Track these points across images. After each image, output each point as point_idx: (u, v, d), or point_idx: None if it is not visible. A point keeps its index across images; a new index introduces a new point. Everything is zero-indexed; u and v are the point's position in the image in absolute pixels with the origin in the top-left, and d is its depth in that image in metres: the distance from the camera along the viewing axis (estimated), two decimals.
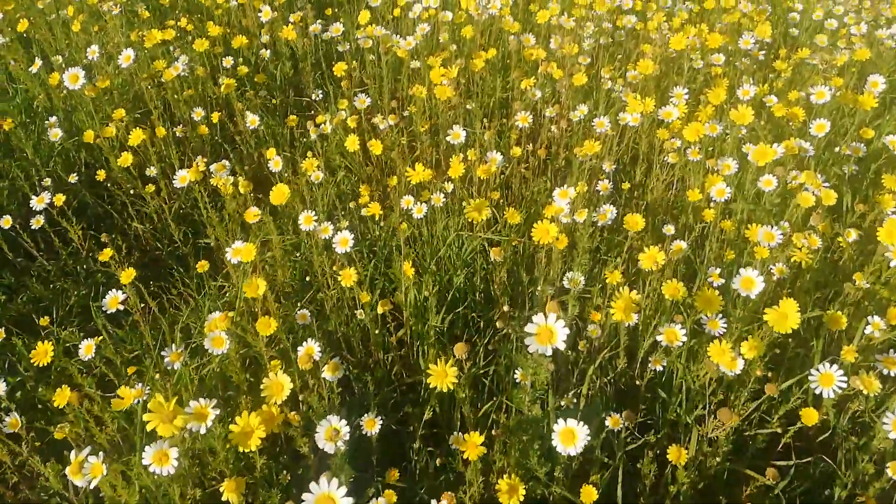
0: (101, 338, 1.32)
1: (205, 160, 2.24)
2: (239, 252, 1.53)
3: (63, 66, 2.27)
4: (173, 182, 1.84)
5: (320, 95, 2.54)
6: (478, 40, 2.64)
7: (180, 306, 1.79)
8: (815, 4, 3.04)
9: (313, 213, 1.58)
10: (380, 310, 1.44)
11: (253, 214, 1.64)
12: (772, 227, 1.55)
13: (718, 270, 1.60)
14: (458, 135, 2.02)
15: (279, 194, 1.70)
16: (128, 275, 1.51)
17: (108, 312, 1.38)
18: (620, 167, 2.33)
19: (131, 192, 2.06)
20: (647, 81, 2.33)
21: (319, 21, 3.20)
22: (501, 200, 2.12)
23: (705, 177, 1.77)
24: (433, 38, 2.72)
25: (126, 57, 2.09)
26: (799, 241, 1.52)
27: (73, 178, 2.08)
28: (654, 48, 2.47)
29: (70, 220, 1.88)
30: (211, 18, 3.00)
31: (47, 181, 2.11)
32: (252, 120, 2.19)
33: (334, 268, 1.51)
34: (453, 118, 2.40)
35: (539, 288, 1.63)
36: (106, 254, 1.62)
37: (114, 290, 1.40)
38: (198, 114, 2.29)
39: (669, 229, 1.70)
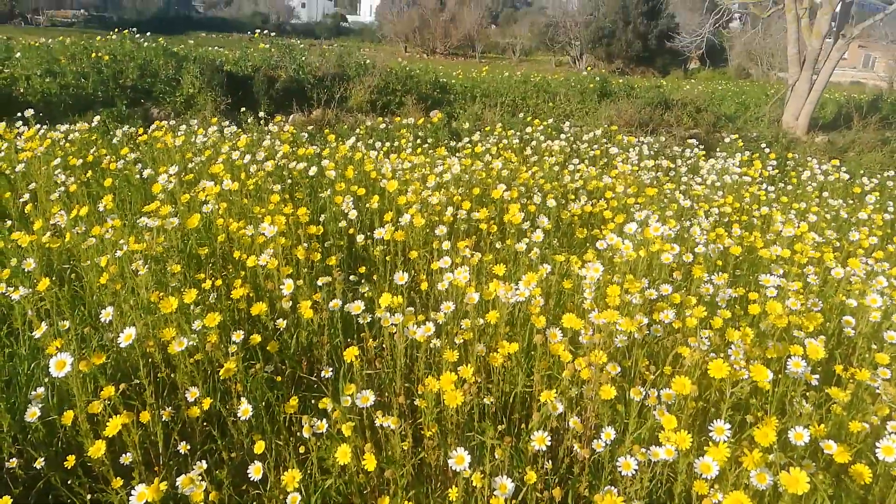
0: None
1: (187, 447, 2.05)
2: None
3: (68, 331, 2.22)
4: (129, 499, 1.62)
5: (331, 373, 2.38)
6: (502, 329, 2.51)
7: None
8: (870, 305, 2.83)
9: None
10: None
11: None
12: None
13: None
14: (461, 459, 1.77)
15: None
16: None
17: None
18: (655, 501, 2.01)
19: (88, 498, 1.84)
20: (684, 399, 2.09)
21: (352, 276, 3.20)
22: None
23: None
24: (456, 318, 2.61)
25: (127, 336, 2.01)
26: None
27: (39, 463, 1.90)
28: (692, 353, 2.27)
29: None
30: (244, 269, 3.03)
31: (13, 462, 1.94)
32: (244, 410, 2.02)
33: None
34: (465, 419, 2.18)
35: None
36: None
37: None
38: (192, 394, 2.14)
39: None
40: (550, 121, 7.15)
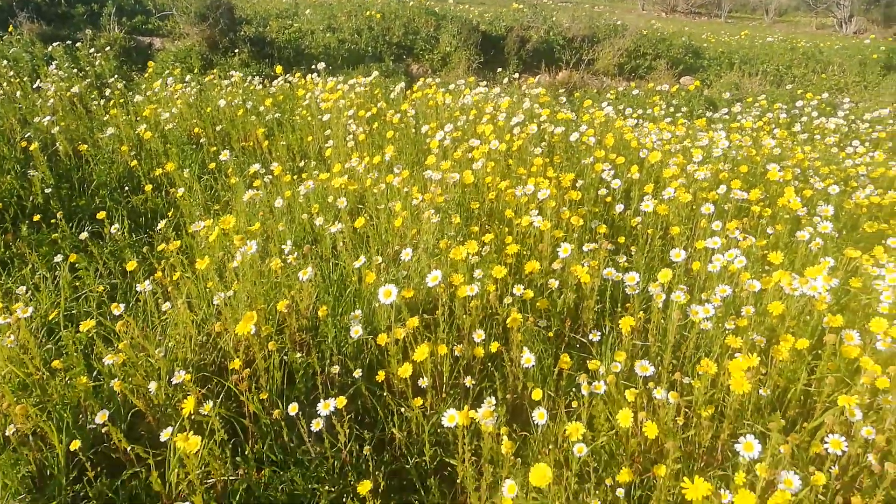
0: None
1: (472, 381, 2.29)
2: None
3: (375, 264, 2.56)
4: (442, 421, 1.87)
5: (598, 337, 2.47)
6: (788, 322, 2.38)
7: None
8: None
9: None
10: None
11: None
12: None
13: None
14: (751, 446, 1.76)
15: (539, 476, 1.61)
16: (364, 486, 1.54)
17: None
18: None
19: (398, 408, 2.14)
20: None
21: (610, 245, 3.24)
22: None
23: None
24: (736, 303, 2.53)
25: (433, 278, 2.29)
26: None
27: (357, 373, 2.26)
28: None
29: (342, 419, 2.00)
30: (509, 225, 3.23)
31: (335, 368, 2.32)
32: (528, 359, 2.19)
33: None
34: (738, 407, 2.14)
35: None
36: (365, 486, 1.66)
37: None
38: (478, 335, 2.37)
39: None
40: (825, 95, 6.40)
